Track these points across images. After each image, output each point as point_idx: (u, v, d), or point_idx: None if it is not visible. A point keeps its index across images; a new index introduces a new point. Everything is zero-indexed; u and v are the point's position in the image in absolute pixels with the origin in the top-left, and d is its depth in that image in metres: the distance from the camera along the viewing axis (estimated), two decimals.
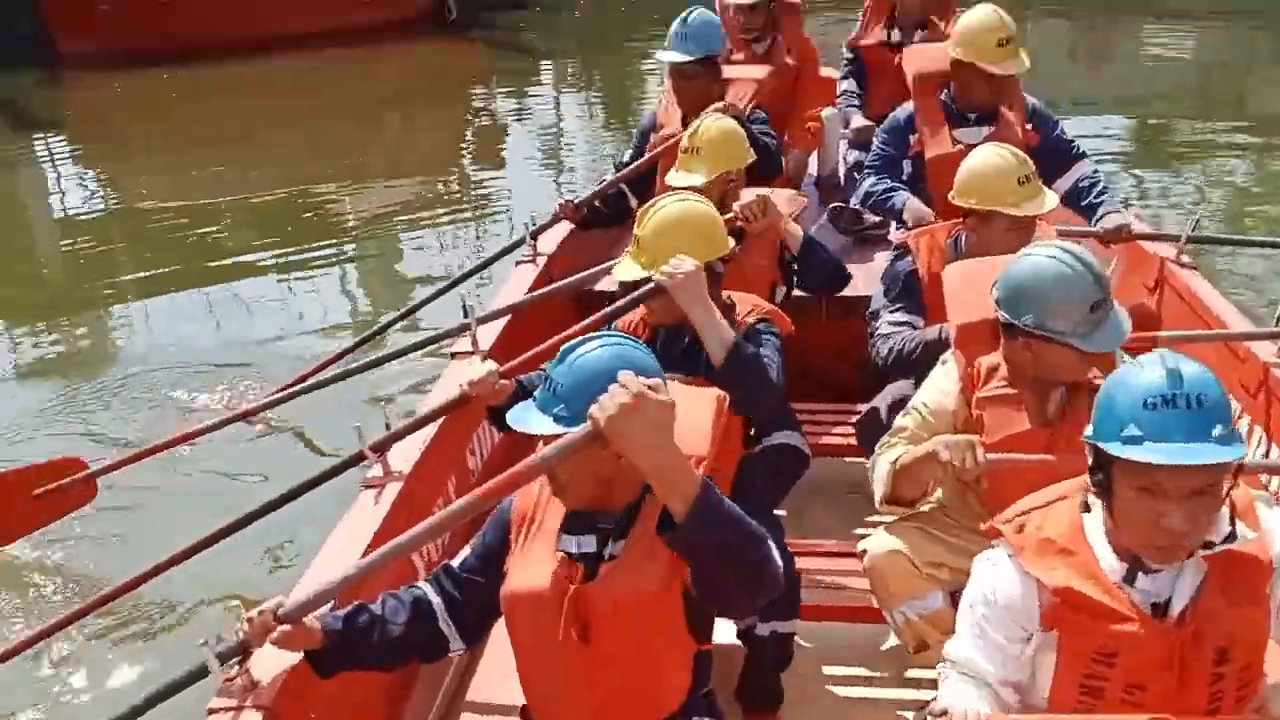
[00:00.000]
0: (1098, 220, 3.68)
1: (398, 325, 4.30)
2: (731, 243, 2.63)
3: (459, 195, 8.49)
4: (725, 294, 2.63)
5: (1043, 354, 2.32)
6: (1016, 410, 2.38)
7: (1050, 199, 3.00)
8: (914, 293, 3.13)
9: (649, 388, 1.59)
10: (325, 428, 4.69)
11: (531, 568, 1.89)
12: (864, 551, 2.54)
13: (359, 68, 12.23)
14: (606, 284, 3.92)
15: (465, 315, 3.40)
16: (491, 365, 2.52)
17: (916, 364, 2.95)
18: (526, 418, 1.83)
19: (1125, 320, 2.32)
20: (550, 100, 11.85)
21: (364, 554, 2.30)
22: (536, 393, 1.85)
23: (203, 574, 3.36)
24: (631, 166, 4.06)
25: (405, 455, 2.75)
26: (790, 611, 2.53)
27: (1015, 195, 2.92)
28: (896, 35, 5.14)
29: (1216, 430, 1.57)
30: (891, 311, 3.16)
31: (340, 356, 4.15)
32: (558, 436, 1.73)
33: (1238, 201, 7.69)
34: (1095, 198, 3.78)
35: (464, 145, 10.08)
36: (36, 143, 9.96)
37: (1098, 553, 1.72)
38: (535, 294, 3.60)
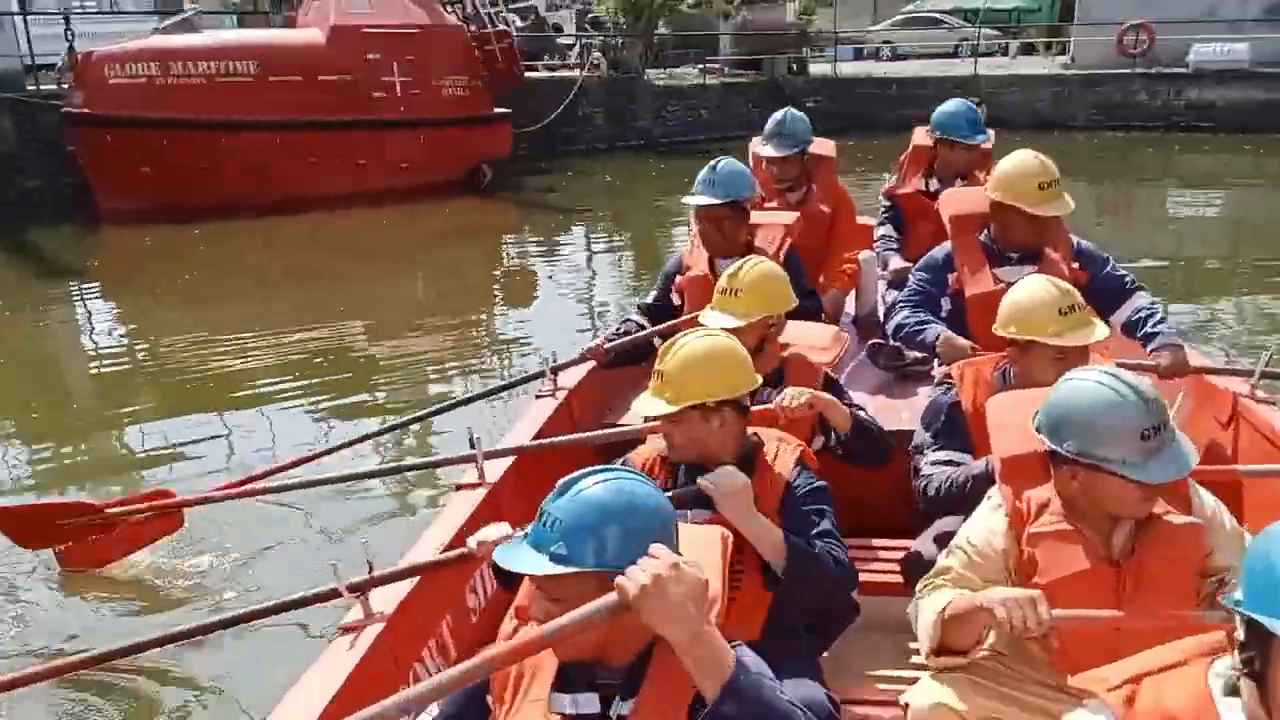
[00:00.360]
0: (1153, 350, 3.56)
1: (395, 439, 4.20)
2: (758, 379, 2.54)
3: (485, 339, 8.65)
4: (751, 431, 2.55)
5: (1092, 485, 2.16)
6: (1074, 547, 2.18)
7: (1100, 330, 2.87)
8: (958, 427, 3.00)
9: (681, 561, 1.56)
10: (304, 538, 4.74)
11: None
12: (906, 705, 2.24)
13: (391, 226, 12.75)
14: (629, 416, 3.78)
15: (471, 445, 3.28)
16: (507, 529, 2.41)
17: (966, 500, 2.77)
18: (517, 556, 1.68)
19: (1189, 451, 2.14)
20: (580, 250, 12.26)
21: (332, 699, 2.16)
22: (529, 528, 1.72)
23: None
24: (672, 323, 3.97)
25: (388, 595, 2.57)
26: None
27: (1057, 325, 2.81)
28: (935, 184, 5.14)
29: None
30: (935, 449, 3.02)
31: (331, 451, 4.34)
32: (554, 578, 1.62)
33: None
34: (1152, 326, 3.66)
35: (494, 292, 10.34)
36: (72, 286, 10.46)
37: None
38: (552, 440, 3.50)
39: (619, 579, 1.55)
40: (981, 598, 2.09)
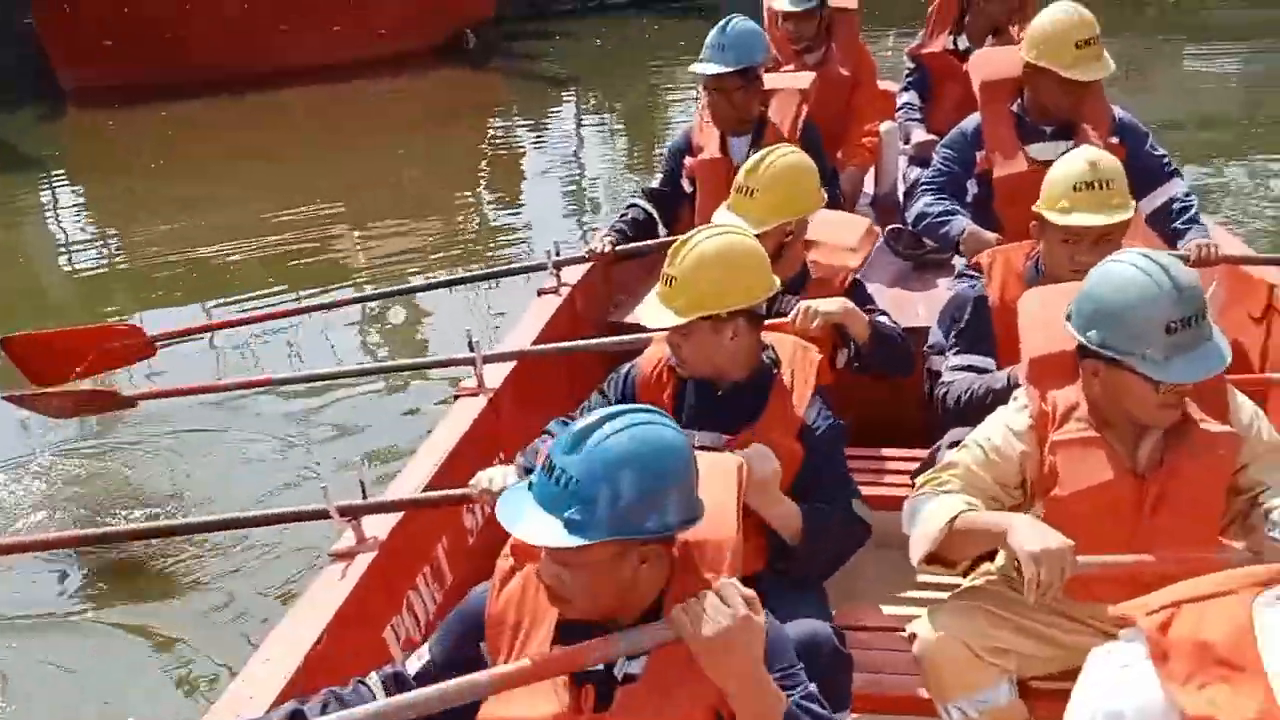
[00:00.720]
0: (1183, 245, 3.36)
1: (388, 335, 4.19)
2: (777, 282, 2.41)
3: (475, 228, 8.29)
4: (766, 344, 2.42)
5: (1112, 384, 2.06)
6: (1098, 455, 2.09)
7: (1120, 214, 2.68)
8: (983, 324, 2.86)
9: (748, 604, 1.50)
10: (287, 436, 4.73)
11: (521, 695, 1.62)
12: (913, 635, 2.24)
13: (372, 100, 12.17)
14: (635, 316, 3.64)
15: (470, 349, 3.19)
16: (514, 476, 2.31)
17: (986, 414, 2.64)
18: (526, 518, 1.56)
19: (1222, 352, 2.02)
20: (571, 126, 11.62)
21: (322, 632, 2.11)
22: (534, 478, 1.61)
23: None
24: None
25: (383, 518, 2.53)
26: (841, 702, 2.22)
27: (1069, 201, 2.67)
28: (964, 43, 4.87)
29: None
30: (957, 350, 2.89)
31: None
32: (571, 550, 1.52)
33: None
34: (1184, 222, 3.49)
35: (482, 176, 9.86)
36: (35, 174, 10.04)
37: (1271, 673, 1.27)
38: (555, 346, 3.39)
39: (678, 615, 1.50)
40: (1004, 526, 2.00)
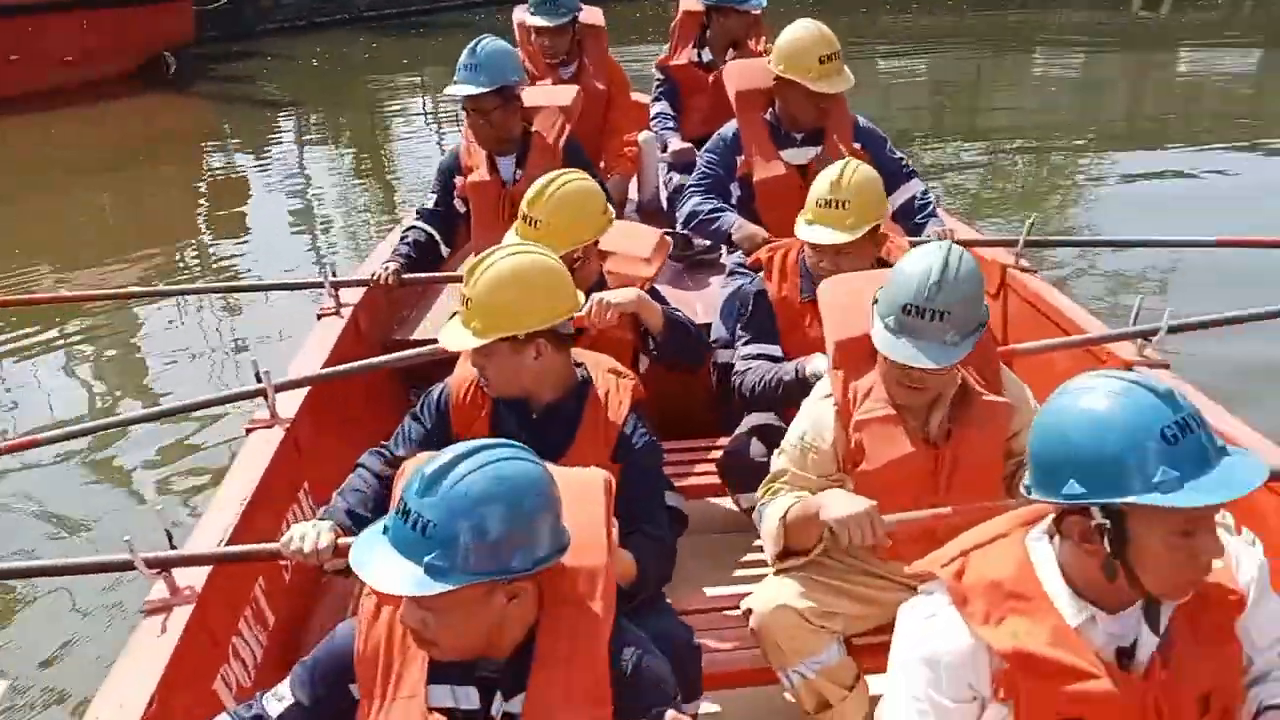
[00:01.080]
0: (925, 234, 3.75)
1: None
2: (581, 299, 2.41)
3: (198, 264, 7.63)
4: (576, 359, 2.41)
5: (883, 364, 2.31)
6: (896, 430, 2.32)
7: (846, 235, 2.85)
8: (766, 316, 3.06)
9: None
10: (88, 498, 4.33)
11: None
12: (749, 611, 2.37)
13: (63, 135, 10.92)
14: (425, 334, 3.60)
15: (259, 379, 3.05)
16: (325, 537, 2.11)
17: (778, 402, 2.91)
18: (382, 567, 1.49)
19: (946, 343, 2.20)
20: (294, 152, 10.90)
21: (153, 694, 2.00)
22: (388, 523, 1.54)
23: None
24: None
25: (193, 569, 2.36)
26: (695, 690, 2.30)
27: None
28: (708, 55, 5.12)
29: (1219, 440, 1.46)
30: (746, 341, 3.07)
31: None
32: (431, 598, 1.46)
33: (1065, 207, 8.25)
34: (923, 216, 3.87)
35: (201, 210, 9.07)
36: None
37: (1052, 595, 1.49)
38: (348, 367, 3.26)
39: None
40: (819, 506, 2.21)
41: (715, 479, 3.17)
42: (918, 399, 2.28)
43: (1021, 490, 1.60)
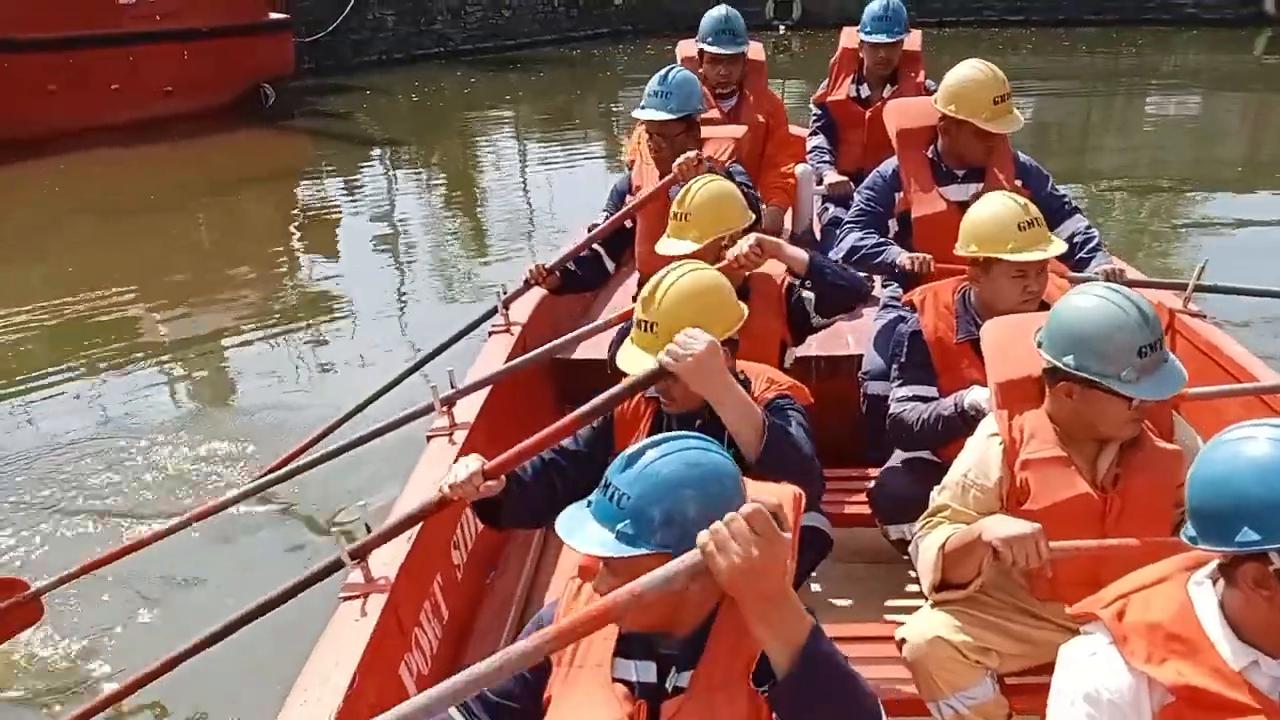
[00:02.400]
0: (1092, 269, 3.69)
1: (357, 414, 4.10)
2: (745, 310, 2.50)
3: (293, 296, 7.69)
4: (739, 367, 2.48)
5: (1086, 402, 2.28)
6: (1066, 472, 2.32)
7: (1056, 245, 2.98)
8: (922, 356, 3.08)
9: (772, 521, 1.47)
10: (289, 527, 4.34)
11: (583, 703, 1.71)
12: (903, 640, 2.44)
13: (160, 166, 11.05)
14: (583, 352, 3.79)
15: (433, 393, 3.28)
16: (474, 464, 2.27)
17: (938, 439, 2.93)
18: (583, 533, 1.65)
19: (1180, 372, 2.29)
20: (387, 188, 11.00)
21: (354, 673, 2.16)
22: (593, 498, 1.69)
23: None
24: (605, 223, 4.00)
25: (386, 558, 2.58)
26: None
27: (1016, 242, 2.92)
28: (865, 90, 5.19)
29: None
30: (901, 382, 3.10)
31: (296, 454, 4.01)
32: (623, 560, 1.60)
33: (1232, 254, 7.79)
34: (1088, 252, 3.81)
35: (296, 245, 9.10)
36: None
37: (1214, 640, 1.55)
38: (507, 366, 3.53)
39: (704, 539, 1.46)
40: (981, 529, 2.22)
41: (863, 509, 3.21)
42: (1138, 428, 2.30)
43: (1185, 540, 1.63)
